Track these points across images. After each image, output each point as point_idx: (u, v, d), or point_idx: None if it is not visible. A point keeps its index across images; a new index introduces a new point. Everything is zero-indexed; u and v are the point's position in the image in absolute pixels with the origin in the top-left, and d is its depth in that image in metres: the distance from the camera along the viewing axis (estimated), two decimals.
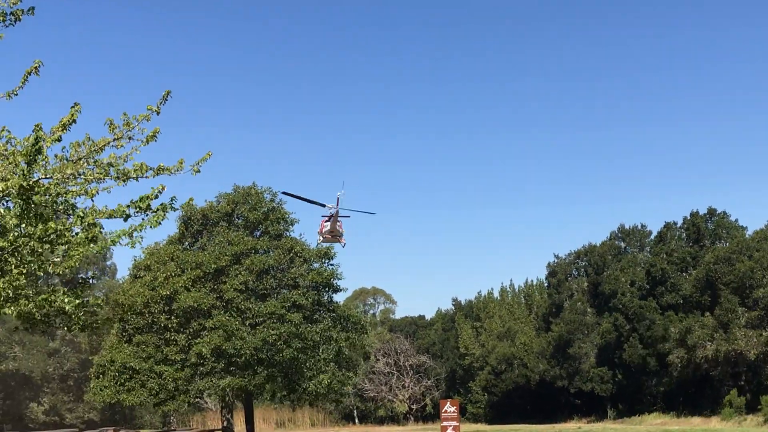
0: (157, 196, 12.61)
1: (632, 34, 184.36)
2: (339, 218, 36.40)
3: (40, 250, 12.75)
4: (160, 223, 13.25)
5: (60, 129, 12.63)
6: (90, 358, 62.63)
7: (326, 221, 36.68)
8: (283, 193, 46.61)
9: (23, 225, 12.42)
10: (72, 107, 12.65)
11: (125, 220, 12.79)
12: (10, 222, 12.21)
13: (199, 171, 13.45)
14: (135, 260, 51.29)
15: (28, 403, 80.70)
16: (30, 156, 11.71)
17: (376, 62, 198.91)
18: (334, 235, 37.64)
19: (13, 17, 13.61)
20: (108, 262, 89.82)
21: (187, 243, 52.11)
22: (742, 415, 64.91)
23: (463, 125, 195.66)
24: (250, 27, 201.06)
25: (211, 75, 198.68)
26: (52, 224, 12.47)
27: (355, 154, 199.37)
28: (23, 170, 12.05)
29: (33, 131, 12.15)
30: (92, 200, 13.21)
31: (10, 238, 12.24)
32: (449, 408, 39.49)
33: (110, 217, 12.88)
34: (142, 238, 13.29)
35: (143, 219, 12.84)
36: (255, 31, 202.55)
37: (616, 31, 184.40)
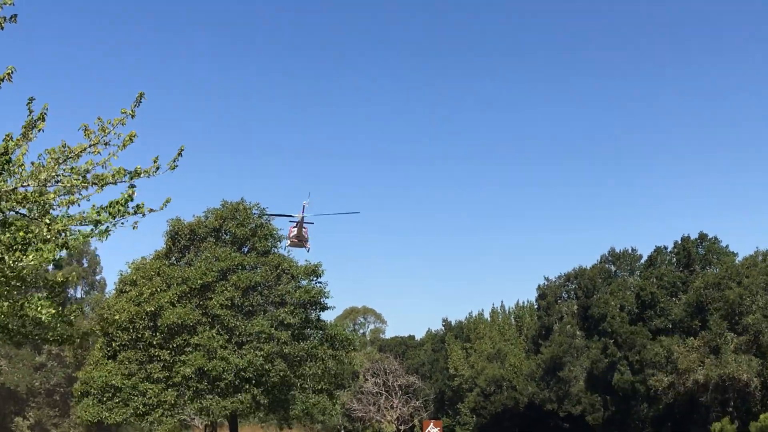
0: (127, 201, 12.55)
1: (626, 62, 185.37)
2: (304, 225, 39.21)
3: (6, 257, 12.60)
4: (135, 227, 13.15)
5: (28, 128, 12.54)
6: (74, 374, 61.91)
7: (294, 227, 39.71)
8: (267, 214, 49.77)
9: None
10: (28, 101, 12.55)
11: (96, 226, 12.70)
12: None
13: (176, 166, 13.41)
14: (121, 275, 50.81)
15: (14, 417, 79.93)
16: None
17: (373, 82, 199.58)
18: (300, 240, 40.26)
19: None
20: (97, 277, 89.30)
21: (173, 258, 51.68)
22: None
23: (455, 149, 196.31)
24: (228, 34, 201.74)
25: (212, 83, 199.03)
26: (21, 233, 12.35)
27: (348, 177, 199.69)
28: None
29: (4, 140, 12.07)
30: (68, 208, 13.09)
31: None
32: (432, 429, 39.35)
33: (81, 223, 12.80)
34: (109, 233, 13.18)
35: (113, 224, 12.75)
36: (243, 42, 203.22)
37: (609, 57, 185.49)
